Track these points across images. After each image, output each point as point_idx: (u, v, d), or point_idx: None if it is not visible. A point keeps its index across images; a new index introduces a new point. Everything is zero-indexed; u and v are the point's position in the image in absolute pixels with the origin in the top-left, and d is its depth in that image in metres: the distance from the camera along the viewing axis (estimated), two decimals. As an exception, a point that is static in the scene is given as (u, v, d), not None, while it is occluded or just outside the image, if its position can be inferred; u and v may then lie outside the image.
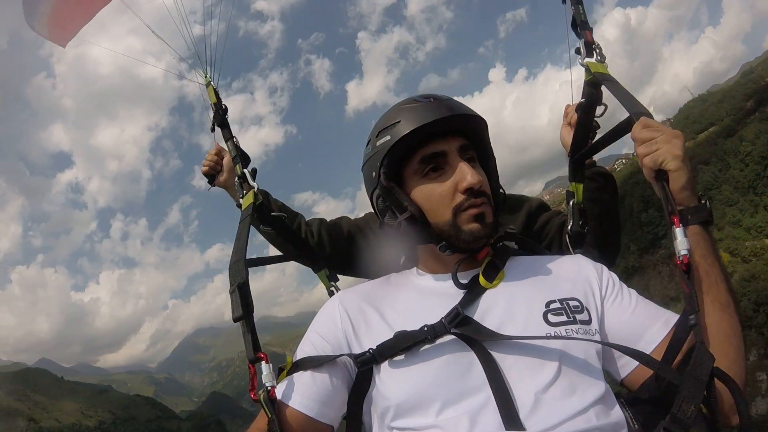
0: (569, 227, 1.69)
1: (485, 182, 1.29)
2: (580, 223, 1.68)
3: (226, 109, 2.17)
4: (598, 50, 1.58)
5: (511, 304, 1.21)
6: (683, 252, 1.10)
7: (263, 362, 1.23)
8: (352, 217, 2.24)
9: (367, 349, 1.19)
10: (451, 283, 1.26)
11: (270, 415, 1.15)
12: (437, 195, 1.25)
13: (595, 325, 1.20)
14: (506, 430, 1.01)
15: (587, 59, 1.57)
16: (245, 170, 1.95)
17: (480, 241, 1.26)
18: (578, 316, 1.18)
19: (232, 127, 2.13)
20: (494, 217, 1.29)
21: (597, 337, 1.17)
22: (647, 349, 1.16)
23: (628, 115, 1.31)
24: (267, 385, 1.20)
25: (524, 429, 1.01)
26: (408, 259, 1.56)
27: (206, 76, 2.27)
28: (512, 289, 1.25)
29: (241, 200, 1.85)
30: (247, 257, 1.43)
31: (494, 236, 1.31)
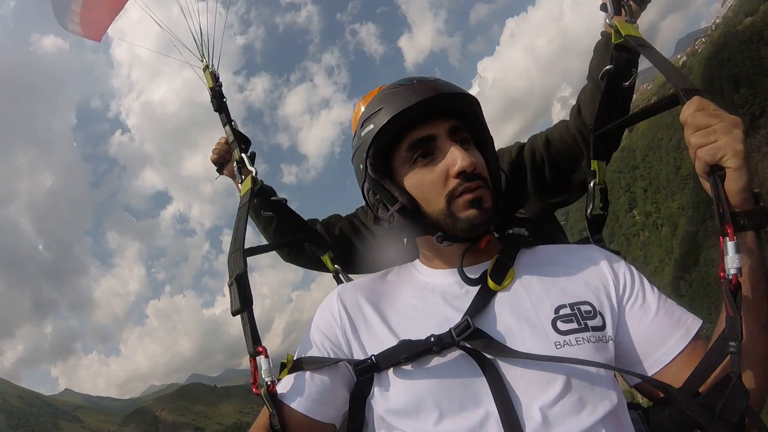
0: (589, 211, 1.53)
1: (480, 164, 1.19)
2: (601, 205, 1.54)
3: (221, 92, 2.11)
4: (627, 7, 1.41)
5: (518, 310, 1.13)
6: (733, 271, 0.96)
7: (262, 357, 1.17)
8: (344, 214, 2.21)
9: (368, 356, 1.14)
10: (455, 279, 1.21)
11: (271, 410, 1.12)
12: (429, 182, 1.16)
13: (609, 331, 1.11)
14: None
15: (616, 18, 1.39)
16: (243, 155, 1.88)
17: (479, 229, 1.16)
18: (590, 323, 1.10)
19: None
20: (494, 202, 1.19)
21: (611, 345, 1.10)
22: (665, 360, 1.09)
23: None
24: (267, 380, 1.15)
25: None
26: (409, 251, 1.47)
27: (203, 60, 2.21)
28: (521, 293, 1.16)
29: (239, 185, 1.79)
30: (246, 247, 1.39)
31: (495, 221, 1.22)
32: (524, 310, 1.12)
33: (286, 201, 1.88)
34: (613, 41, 1.40)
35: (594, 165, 1.52)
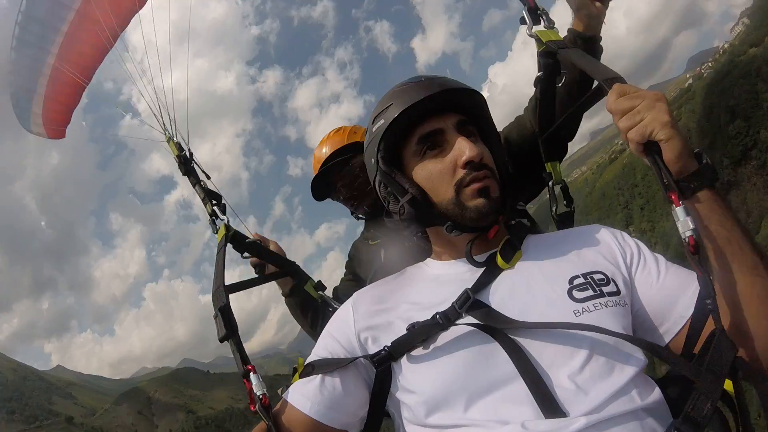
0: (554, 210, 1.57)
1: (487, 155, 1.22)
2: (565, 203, 1.59)
3: (191, 156, 2.25)
4: (544, 16, 1.48)
5: (532, 285, 1.13)
6: (688, 233, 0.97)
7: (251, 373, 1.26)
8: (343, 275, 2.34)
9: (381, 347, 1.14)
10: (464, 267, 1.22)
11: (267, 422, 1.15)
12: (437, 173, 1.19)
13: (624, 296, 1.11)
14: (546, 418, 0.94)
15: (535, 28, 1.47)
16: (215, 208, 2.07)
17: (487, 218, 1.18)
18: (605, 289, 1.10)
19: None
20: (501, 193, 1.21)
21: (628, 309, 1.11)
22: (682, 321, 1.08)
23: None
24: (258, 393, 1.21)
25: (566, 416, 0.93)
26: (418, 252, 1.45)
27: (165, 133, 2.35)
28: (532, 269, 1.17)
29: (215, 235, 1.95)
30: (226, 284, 1.54)
31: (503, 212, 1.23)
32: (538, 283, 1.13)
33: (260, 241, 2.04)
34: (537, 50, 1.45)
35: (548, 167, 1.57)
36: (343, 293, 2.21)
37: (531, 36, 1.46)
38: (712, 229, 1.00)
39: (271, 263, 2.10)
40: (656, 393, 1.01)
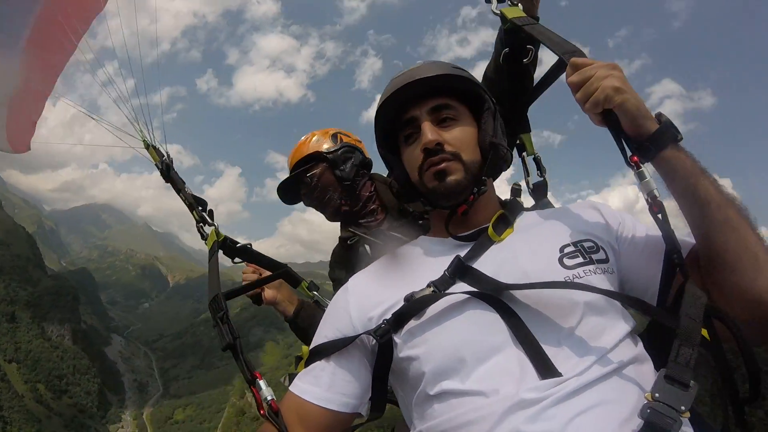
0: (528, 180, 1.64)
1: (453, 139, 1.23)
2: (538, 172, 1.65)
3: (171, 162, 2.21)
4: None
5: (523, 255, 1.16)
6: (656, 193, 1.03)
7: (258, 379, 1.26)
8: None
9: (381, 322, 1.16)
10: (456, 242, 1.26)
11: (278, 427, 1.16)
12: (411, 158, 1.27)
13: (612, 264, 1.15)
14: (542, 379, 0.96)
15: (500, 6, 1.52)
16: (204, 213, 2.06)
17: (448, 198, 1.23)
18: (594, 256, 1.14)
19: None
20: (468, 174, 1.22)
21: (615, 276, 1.15)
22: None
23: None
24: (268, 398, 1.21)
25: (561, 375, 0.96)
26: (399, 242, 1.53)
27: (143, 140, 2.26)
28: (523, 241, 1.21)
29: (205, 242, 1.98)
30: (223, 290, 1.54)
31: (472, 192, 1.24)
32: (528, 253, 1.16)
33: (250, 245, 2.06)
34: (503, 27, 1.51)
35: (524, 139, 1.65)
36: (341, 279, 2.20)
37: (496, 14, 1.52)
38: (677, 186, 1.03)
39: (263, 267, 2.15)
40: (641, 350, 1.07)
